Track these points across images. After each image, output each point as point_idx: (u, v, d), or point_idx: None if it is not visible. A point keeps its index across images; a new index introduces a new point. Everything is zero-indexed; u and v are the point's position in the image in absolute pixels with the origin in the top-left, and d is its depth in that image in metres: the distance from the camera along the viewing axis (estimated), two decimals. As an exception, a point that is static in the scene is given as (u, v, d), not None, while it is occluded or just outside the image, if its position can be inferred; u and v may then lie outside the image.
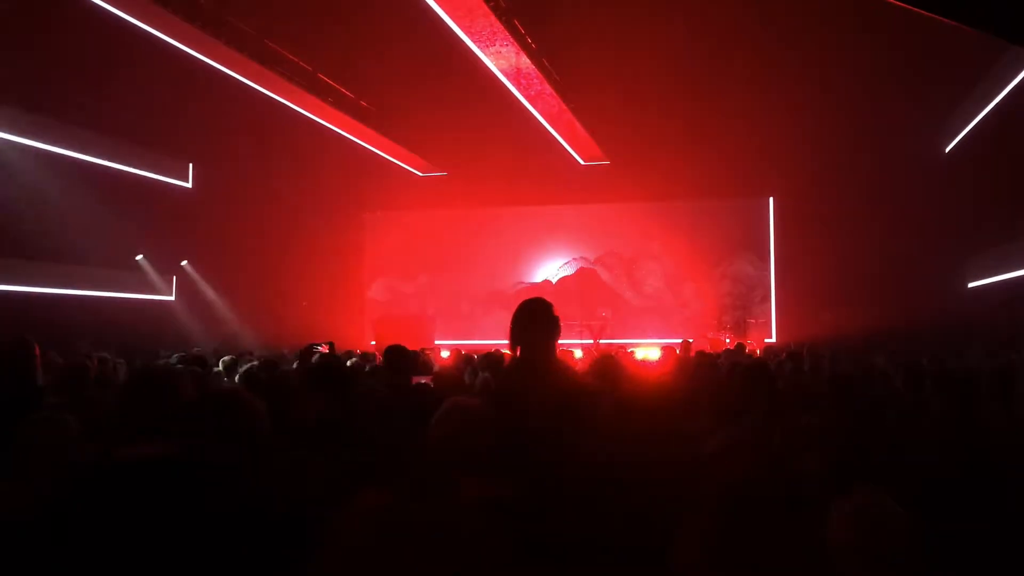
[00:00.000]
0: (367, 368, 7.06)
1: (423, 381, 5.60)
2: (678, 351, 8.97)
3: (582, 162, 17.57)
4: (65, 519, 1.95)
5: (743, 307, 17.08)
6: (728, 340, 15.37)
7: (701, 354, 9.10)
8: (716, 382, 4.96)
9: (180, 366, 5.85)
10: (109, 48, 11.61)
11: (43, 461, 2.33)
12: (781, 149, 15.29)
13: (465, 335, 18.56)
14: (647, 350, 11.79)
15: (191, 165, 16.74)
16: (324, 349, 6.07)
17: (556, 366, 3.51)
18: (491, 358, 6.98)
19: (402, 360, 4.97)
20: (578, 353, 11.03)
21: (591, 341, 15.89)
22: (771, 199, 18.08)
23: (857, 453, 3.08)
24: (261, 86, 13.08)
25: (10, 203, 12.03)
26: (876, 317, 14.52)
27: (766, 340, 16.60)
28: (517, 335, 3.50)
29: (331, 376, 4.32)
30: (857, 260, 15.54)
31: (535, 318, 3.49)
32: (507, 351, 3.71)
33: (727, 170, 16.40)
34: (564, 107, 13.87)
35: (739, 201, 18.07)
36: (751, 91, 12.91)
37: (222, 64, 12.23)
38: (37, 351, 4.42)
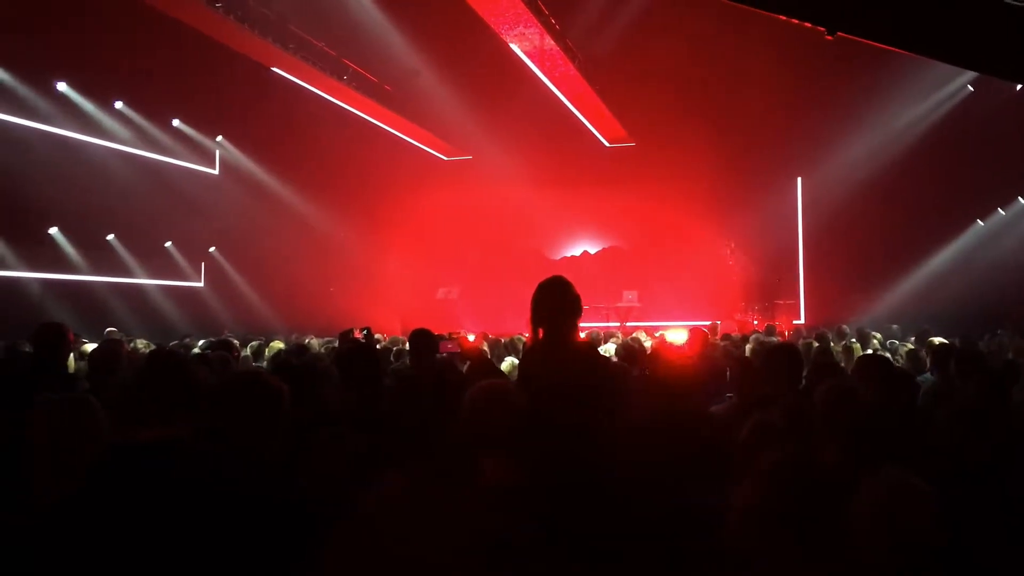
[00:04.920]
0: (394, 352, 7.09)
1: (449, 348, 5.51)
2: (707, 333, 8.88)
3: (607, 144, 17.44)
4: (82, 504, 1.95)
5: (771, 289, 16.88)
6: (756, 322, 15.24)
7: (728, 336, 9.05)
8: (744, 364, 4.90)
9: (208, 351, 5.89)
10: (149, 38, 11.74)
11: (66, 445, 2.35)
12: (809, 128, 15.06)
13: (491, 319, 18.56)
14: (674, 332, 11.70)
15: (217, 152, 16.85)
16: (359, 335, 6.09)
17: (578, 347, 3.46)
18: (516, 342, 6.99)
19: (428, 344, 4.97)
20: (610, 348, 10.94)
21: (618, 324, 15.83)
22: (799, 179, 17.86)
23: (882, 433, 3.03)
24: (287, 72, 13.11)
25: (42, 191, 12.16)
26: (906, 298, 14.31)
27: (794, 322, 16.41)
28: (538, 316, 3.45)
29: (361, 360, 4.33)
30: (887, 240, 15.30)
31: (555, 298, 3.43)
32: (529, 334, 3.66)
33: (754, 151, 16.22)
34: (589, 88, 13.77)
35: (766, 181, 17.84)
36: (777, 69, 12.73)
37: (246, 51, 12.26)
38: (71, 336, 4.50)
